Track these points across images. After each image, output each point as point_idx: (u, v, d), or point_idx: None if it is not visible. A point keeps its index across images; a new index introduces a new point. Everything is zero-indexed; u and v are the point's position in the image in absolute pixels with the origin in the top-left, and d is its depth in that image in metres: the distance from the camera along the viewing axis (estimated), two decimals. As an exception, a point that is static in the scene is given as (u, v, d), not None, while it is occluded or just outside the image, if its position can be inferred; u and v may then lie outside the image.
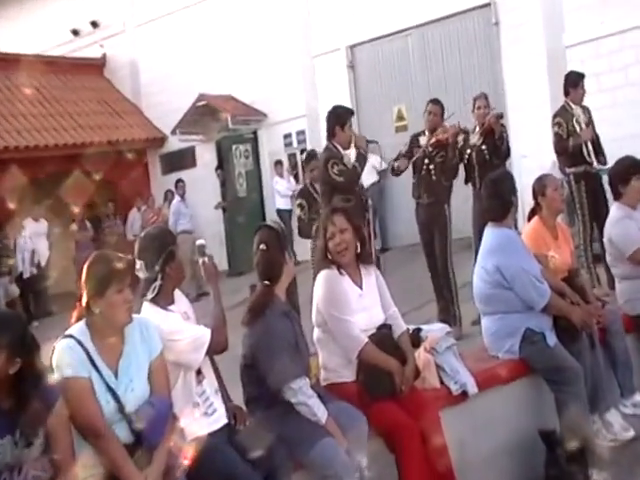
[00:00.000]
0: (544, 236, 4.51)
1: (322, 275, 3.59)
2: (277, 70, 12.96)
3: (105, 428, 2.69)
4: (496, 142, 6.36)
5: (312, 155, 6.60)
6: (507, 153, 6.61)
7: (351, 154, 5.72)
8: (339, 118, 5.72)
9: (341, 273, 3.58)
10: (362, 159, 5.70)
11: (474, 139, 6.50)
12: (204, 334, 3.10)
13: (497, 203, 4.20)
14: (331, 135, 5.74)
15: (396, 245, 11.37)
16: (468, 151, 6.48)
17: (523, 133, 10.00)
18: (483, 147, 6.45)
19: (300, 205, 6.43)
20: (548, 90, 9.92)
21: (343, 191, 5.60)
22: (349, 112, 5.86)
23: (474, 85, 10.45)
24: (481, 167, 6.39)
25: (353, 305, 3.54)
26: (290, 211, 12.90)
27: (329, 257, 3.60)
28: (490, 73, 10.97)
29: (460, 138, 6.47)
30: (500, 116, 6.47)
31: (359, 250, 3.62)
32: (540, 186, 4.60)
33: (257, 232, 3.39)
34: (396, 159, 6.52)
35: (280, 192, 12.98)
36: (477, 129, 6.52)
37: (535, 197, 4.62)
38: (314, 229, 6.09)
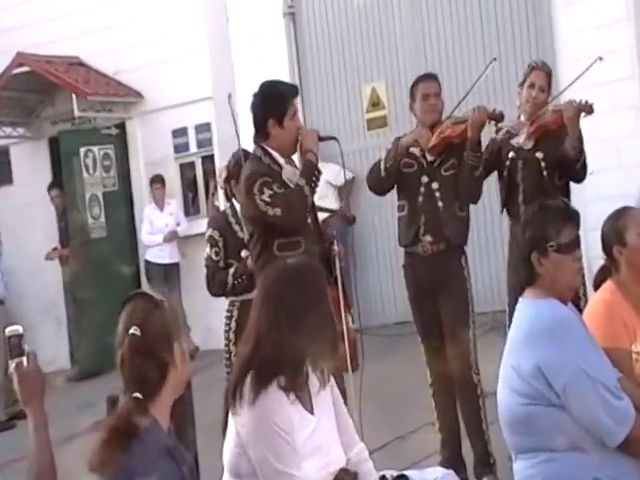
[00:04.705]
0: (624, 316, 4.55)
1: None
2: (163, 19, 13.14)
3: None
4: (565, 151, 6.34)
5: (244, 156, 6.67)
6: (583, 171, 6.57)
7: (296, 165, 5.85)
8: (273, 105, 5.73)
9: (288, 396, 3.72)
10: (310, 170, 5.69)
11: (520, 138, 6.53)
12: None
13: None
14: (262, 135, 5.78)
15: (367, 325, 11.39)
16: (510, 155, 6.51)
17: (589, 136, 10.16)
18: (538, 155, 6.50)
19: (211, 239, 6.47)
20: (637, 65, 10.16)
21: (285, 232, 5.63)
22: (290, 92, 5.90)
23: (504, 55, 10.65)
24: (529, 187, 6.44)
25: (300, 445, 3.65)
26: (171, 266, 12.85)
27: None
28: (533, 35, 11.23)
29: (490, 129, 6.54)
30: (589, 109, 6.43)
31: None
32: (616, 228, 4.67)
33: (125, 305, 3.38)
34: (374, 167, 6.59)
35: (153, 231, 13.04)
36: (527, 126, 6.52)
37: (607, 248, 4.69)
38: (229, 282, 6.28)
